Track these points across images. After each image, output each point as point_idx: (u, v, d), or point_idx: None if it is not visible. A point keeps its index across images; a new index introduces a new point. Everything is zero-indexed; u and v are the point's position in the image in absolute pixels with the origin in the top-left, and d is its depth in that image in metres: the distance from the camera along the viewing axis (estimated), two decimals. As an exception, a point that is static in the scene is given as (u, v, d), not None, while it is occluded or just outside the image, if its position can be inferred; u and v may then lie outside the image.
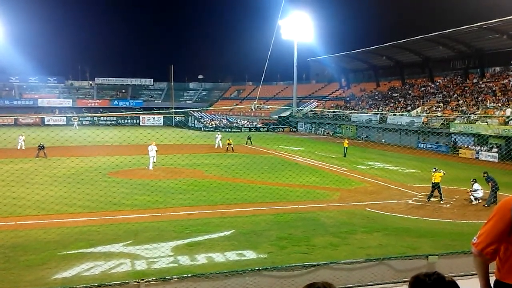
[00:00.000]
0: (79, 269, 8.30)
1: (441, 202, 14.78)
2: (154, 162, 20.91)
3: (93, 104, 68.05)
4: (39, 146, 24.06)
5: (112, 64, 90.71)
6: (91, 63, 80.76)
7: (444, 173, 15.35)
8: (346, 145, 28.26)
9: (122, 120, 61.42)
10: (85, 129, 37.04)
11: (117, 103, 69.19)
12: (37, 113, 57.97)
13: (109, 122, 60.34)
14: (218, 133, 35.51)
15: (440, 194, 14.99)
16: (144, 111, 58.14)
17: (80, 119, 55.73)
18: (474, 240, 2.16)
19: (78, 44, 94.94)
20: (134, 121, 61.99)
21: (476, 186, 15.03)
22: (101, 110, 64.42)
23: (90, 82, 74.23)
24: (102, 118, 60.16)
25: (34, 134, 22.29)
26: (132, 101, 71.22)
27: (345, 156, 27.45)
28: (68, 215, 12.25)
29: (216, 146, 31.72)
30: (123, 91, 74.79)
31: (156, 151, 20.91)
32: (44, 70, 65.17)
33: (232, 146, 29.82)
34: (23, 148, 27.32)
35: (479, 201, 14.88)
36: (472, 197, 15.01)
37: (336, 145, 31.00)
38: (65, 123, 55.78)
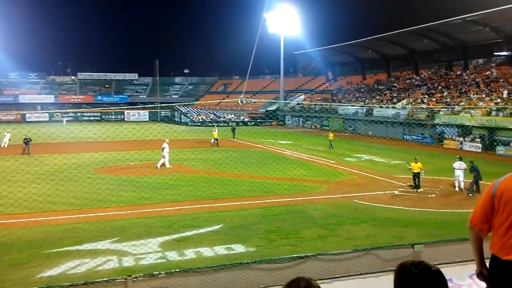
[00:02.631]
0: (65, 267, 8.15)
1: (418, 190, 15.16)
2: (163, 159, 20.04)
3: (76, 100, 66.77)
4: (25, 140, 23.35)
5: (95, 59, 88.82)
6: (74, 58, 79.40)
7: (409, 168, 15.64)
8: (331, 138, 28.47)
9: (106, 116, 60.12)
10: (68, 125, 36.37)
11: (100, 98, 68.01)
12: (18, 110, 56.64)
13: (93, 118, 59.02)
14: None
15: (418, 183, 15.34)
16: (128, 106, 57.34)
17: (63, 115, 54.63)
18: (470, 215, 2.48)
19: (60, 39, 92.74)
20: (119, 116, 60.89)
21: (457, 164, 15.45)
22: (84, 105, 63.29)
23: (73, 77, 72.68)
24: (85, 114, 59.02)
25: (15, 131, 21.75)
26: (116, 96, 70.10)
27: (331, 148, 27.64)
28: (52, 213, 11.99)
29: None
30: (107, 86, 73.49)
31: (163, 148, 19.99)
32: (24, 66, 63.57)
33: (217, 140, 29.63)
34: (6, 146, 26.66)
35: (462, 189, 15.32)
36: (456, 183, 15.47)
37: (323, 138, 31.16)
38: (47, 119, 54.54)
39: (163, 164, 19.65)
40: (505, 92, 32.39)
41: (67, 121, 51.28)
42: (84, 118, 58.86)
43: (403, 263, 1.65)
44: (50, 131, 28.58)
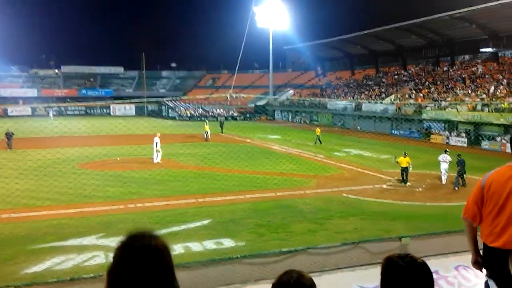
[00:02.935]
0: (50, 263, 7.99)
1: (406, 184, 15.40)
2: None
3: (59, 94, 65.25)
4: (7, 134, 22.81)
5: (79, 52, 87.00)
6: (57, 51, 77.60)
7: (396, 162, 15.97)
8: (318, 133, 28.56)
9: (92, 110, 58.84)
10: (52, 120, 35.56)
11: (85, 92, 66.68)
12: (-1, 104, 55.22)
13: (78, 112, 57.83)
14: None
15: (406, 178, 15.57)
16: (114, 100, 56.54)
17: (47, 109, 53.49)
18: (463, 208, 2.65)
19: (42, 31, 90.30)
20: (104, 111, 59.85)
21: (442, 156, 15.79)
22: (68, 99, 62.08)
23: (56, 70, 70.87)
24: (70, 108, 57.80)
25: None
26: (101, 90, 68.81)
27: (320, 143, 27.71)
28: (36, 209, 11.73)
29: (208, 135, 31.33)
30: (92, 79, 72.04)
31: (157, 143, 19.79)
32: (5, 59, 61.47)
33: (208, 134, 29.45)
34: None
35: (446, 181, 15.65)
36: (443, 177, 15.74)
37: (312, 133, 31.28)
38: (30, 114, 53.33)
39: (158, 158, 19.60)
40: (492, 87, 32.96)
41: (53, 115, 50.07)
42: (69, 112, 57.63)
43: (389, 256, 1.68)
44: (33, 125, 27.96)
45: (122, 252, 1.47)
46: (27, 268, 7.74)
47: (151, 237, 1.51)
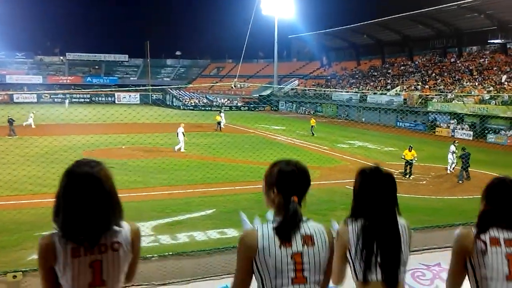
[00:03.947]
0: (56, 249, 8.11)
1: (410, 178, 15.48)
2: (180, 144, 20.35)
3: (64, 81, 65.40)
4: (9, 120, 23.10)
5: (84, 39, 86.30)
6: (62, 38, 77.31)
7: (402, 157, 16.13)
8: (313, 124, 28.39)
9: (97, 98, 58.90)
10: (58, 107, 35.67)
11: (90, 80, 66.77)
12: (5, 90, 55.45)
13: (83, 100, 57.89)
14: (222, 111, 34.55)
15: (410, 171, 15.54)
16: (119, 88, 56.57)
17: (52, 96, 53.60)
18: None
19: (48, 17, 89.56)
20: (109, 98, 59.83)
21: (451, 147, 16.21)
22: (73, 87, 62.16)
23: (61, 57, 70.91)
24: (75, 95, 57.95)
25: (4, 112, 21.35)
26: (106, 78, 68.85)
27: (312, 134, 27.46)
28: (42, 195, 11.85)
29: (223, 124, 31.27)
30: (96, 67, 72.03)
31: (183, 133, 20.38)
32: (11, 45, 61.60)
33: (220, 125, 29.53)
34: (33, 125, 26.83)
35: (453, 171, 15.84)
36: (448, 166, 16.04)
37: (317, 124, 31.21)
38: (35, 100, 53.51)
39: (179, 148, 20.07)
40: (504, 77, 32.48)
41: (70, 102, 49.86)
42: (74, 100, 57.82)
43: (499, 180, 1.98)
44: (40, 112, 28.13)
45: (66, 177, 1.69)
46: (34, 254, 7.75)
47: (93, 165, 1.71)
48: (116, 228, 1.75)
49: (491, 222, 1.95)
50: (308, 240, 1.76)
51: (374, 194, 1.94)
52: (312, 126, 28.22)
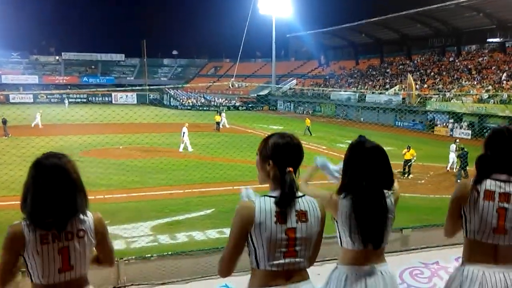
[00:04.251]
0: (54, 250, 8.09)
1: (409, 177, 15.51)
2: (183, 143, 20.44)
3: (61, 81, 65.07)
4: (3, 120, 23.11)
5: (80, 38, 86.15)
6: (57, 37, 76.99)
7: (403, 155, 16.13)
8: (308, 124, 28.36)
9: (93, 98, 58.68)
10: (54, 107, 35.52)
11: (86, 79, 66.51)
12: (0, 91, 55.20)
13: (79, 100, 57.57)
14: (224, 111, 34.48)
15: (409, 170, 15.59)
16: (116, 88, 56.55)
17: (48, 96, 53.40)
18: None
19: (43, 16, 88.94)
20: (106, 98, 59.63)
21: (451, 146, 16.52)
22: (69, 87, 61.95)
23: (57, 57, 70.57)
24: (71, 95, 57.72)
25: (-1, 112, 21.28)
26: (102, 77, 68.58)
27: (310, 134, 27.40)
28: (40, 196, 11.83)
29: (226, 125, 31.20)
30: (93, 67, 71.74)
31: (184, 133, 20.46)
32: (6, 44, 61.11)
33: (218, 125, 29.49)
34: (40, 125, 26.92)
35: (452, 169, 16.12)
36: (448, 164, 16.30)
37: (315, 124, 31.20)
38: (32, 100, 53.29)
39: (185, 148, 20.21)
40: (504, 74, 32.53)
41: (70, 102, 49.69)
42: (70, 100, 57.59)
43: (498, 129, 2.16)
44: (36, 112, 28.06)
45: (34, 167, 1.85)
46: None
47: (60, 157, 1.90)
48: (81, 216, 1.93)
49: (488, 169, 2.08)
50: (302, 216, 1.83)
51: (359, 167, 2.04)
52: (307, 127, 28.12)
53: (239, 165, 16.28)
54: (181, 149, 20.05)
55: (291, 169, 1.82)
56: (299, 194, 1.87)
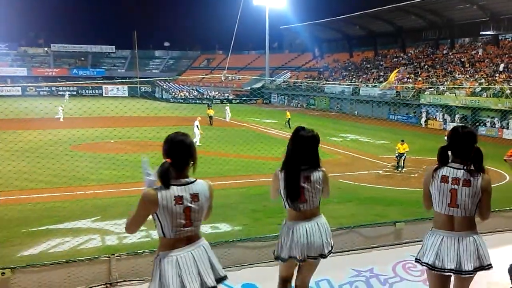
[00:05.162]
0: (46, 245, 7.95)
1: (402, 171, 15.45)
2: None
3: (50, 73, 63.92)
4: None
5: (70, 29, 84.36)
6: (45, 28, 75.44)
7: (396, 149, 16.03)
8: (288, 116, 28.19)
9: (83, 91, 58.01)
10: (42, 100, 34.95)
11: (76, 72, 65.55)
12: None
13: (69, 93, 56.60)
14: (227, 105, 34.14)
15: (403, 164, 15.60)
16: (106, 80, 55.86)
17: (37, 89, 52.58)
18: None
19: (31, 6, 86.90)
20: (96, 91, 58.92)
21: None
22: (59, 79, 61.06)
23: (46, 49, 69.23)
24: (61, 88, 56.89)
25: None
26: (92, 69, 67.60)
27: (289, 127, 26.99)
28: (29, 191, 11.62)
29: (228, 119, 30.88)
30: (83, 59, 70.63)
31: (197, 126, 20.28)
32: (-8, 35, 60.08)
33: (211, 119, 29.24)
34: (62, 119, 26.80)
35: None
36: None
37: (309, 117, 31.20)
38: (20, 93, 52.44)
39: (195, 142, 20.05)
40: (501, 65, 32.68)
41: (70, 95, 48.85)
42: (60, 92, 56.70)
43: (455, 127, 2.85)
44: (23, 105, 27.54)
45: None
46: (23, 250, 7.71)
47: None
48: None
49: (445, 159, 2.80)
50: (195, 197, 2.46)
51: (290, 151, 3.02)
52: (288, 119, 27.87)
53: (232, 160, 16.22)
54: (198, 143, 19.88)
55: (168, 160, 2.46)
56: (192, 179, 2.49)
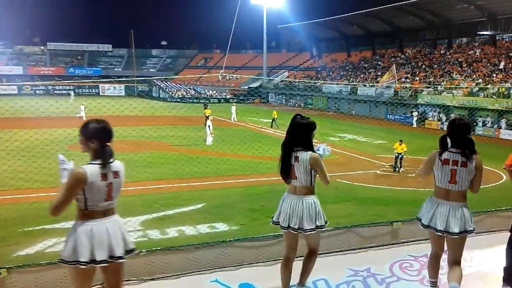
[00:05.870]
0: (42, 245, 7.90)
1: (400, 171, 15.49)
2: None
3: (46, 72, 63.56)
4: None
5: (66, 28, 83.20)
6: (41, 26, 74.68)
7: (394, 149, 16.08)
8: (275, 116, 28.00)
9: (80, 90, 57.45)
10: (38, 99, 34.76)
11: (73, 70, 65.22)
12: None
13: (65, 92, 56.05)
14: (233, 104, 33.79)
15: (401, 164, 15.64)
16: (102, 79, 55.62)
17: (33, 88, 52.29)
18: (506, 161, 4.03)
19: (27, 5, 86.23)
20: (93, 90, 58.62)
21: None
22: (55, 78, 60.77)
23: (42, 47, 68.81)
24: (57, 87, 56.49)
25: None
26: (89, 68, 67.33)
27: (277, 127, 26.72)
28: (25, 191, 11.58)
29: (232, 119, 30.68)
30: (79, 57, 70.26)
31: (209, 126, 20.22)
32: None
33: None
34: (84, 117, 26.51)
35: None
36: None
37: (307, 116, 31.05)
38: (16, 92, 52.12)
39: (204, 140, 20.18)
40: (502, 63, 32.72)
41: (75, 94, 48.59)
42: (56, 91, 56.22)
43: (452, 119, 3.51)
44: (19, 104, 27.44)
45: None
46: (19, 250, 7.66)
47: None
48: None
49: (445, 145, 3.39)
50: (116, 174, 2.86)
51: (288, 133, 3.61)
52: (274, 118, 27.55)
53: (229, 159, 16.19)
54: (210, 142, 19.91)
55: (109, 143, 2.82)
56: (111, 159, 2.82)
